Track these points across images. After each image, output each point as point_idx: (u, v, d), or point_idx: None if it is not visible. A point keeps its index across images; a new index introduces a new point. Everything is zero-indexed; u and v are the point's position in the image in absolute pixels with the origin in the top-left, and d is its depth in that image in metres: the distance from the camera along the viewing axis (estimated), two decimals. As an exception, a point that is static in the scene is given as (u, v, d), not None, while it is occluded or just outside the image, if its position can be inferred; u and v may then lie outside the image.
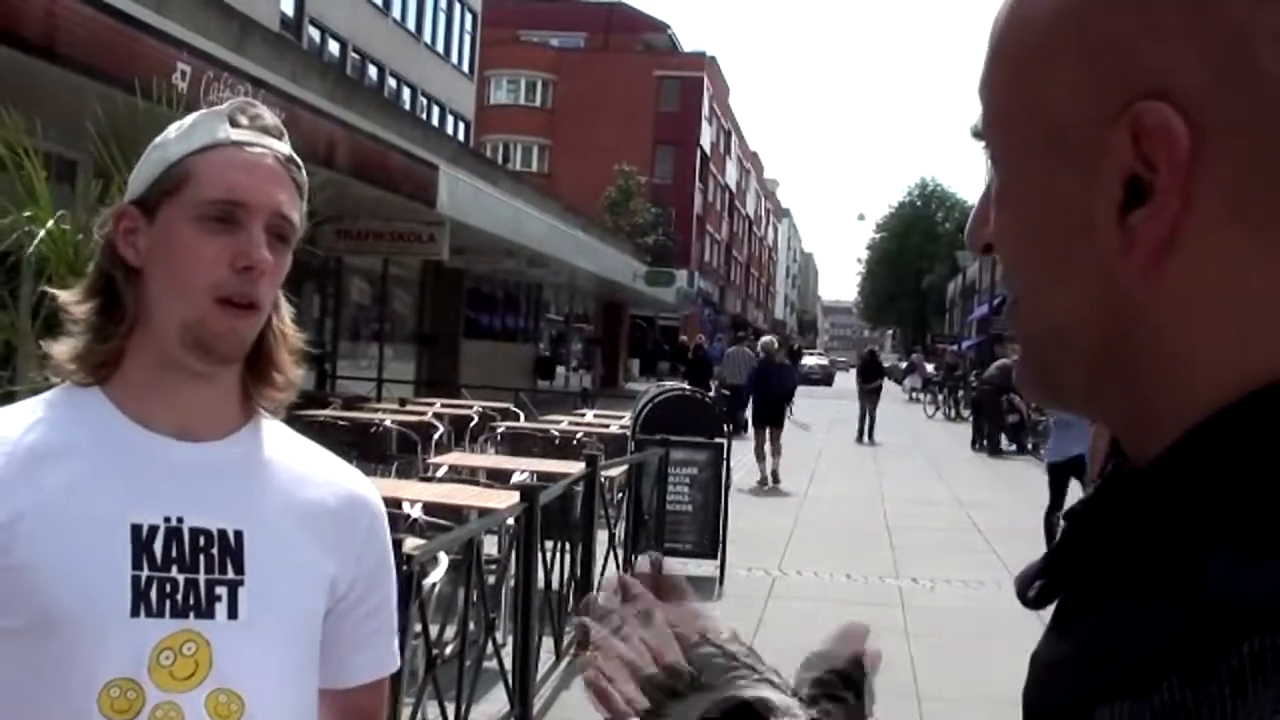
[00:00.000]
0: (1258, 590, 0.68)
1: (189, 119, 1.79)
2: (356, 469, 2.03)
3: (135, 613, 1.64)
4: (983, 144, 0.87)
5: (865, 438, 31.42)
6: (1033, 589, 0.87)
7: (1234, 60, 0.73)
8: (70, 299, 1.78)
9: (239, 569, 1.72)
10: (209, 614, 1.68)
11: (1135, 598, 0.75)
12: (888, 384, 65.62)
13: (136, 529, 1.66)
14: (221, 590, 1.70)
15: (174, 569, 1.67)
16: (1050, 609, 0.87)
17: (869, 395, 32.67)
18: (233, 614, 1.71)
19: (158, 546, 1.67)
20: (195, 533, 1.70)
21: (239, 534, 1.73)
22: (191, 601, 1.67)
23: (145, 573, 1.65)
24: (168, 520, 1.69)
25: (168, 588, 1.66)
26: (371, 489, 1.99)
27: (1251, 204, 0.75)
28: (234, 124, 1.76)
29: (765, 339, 25.23)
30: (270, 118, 1.82)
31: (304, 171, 1.83)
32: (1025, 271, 0.85)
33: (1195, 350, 0.77)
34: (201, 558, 1.69)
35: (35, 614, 1.59)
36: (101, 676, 1.61)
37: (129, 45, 12.36)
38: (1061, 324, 0.82)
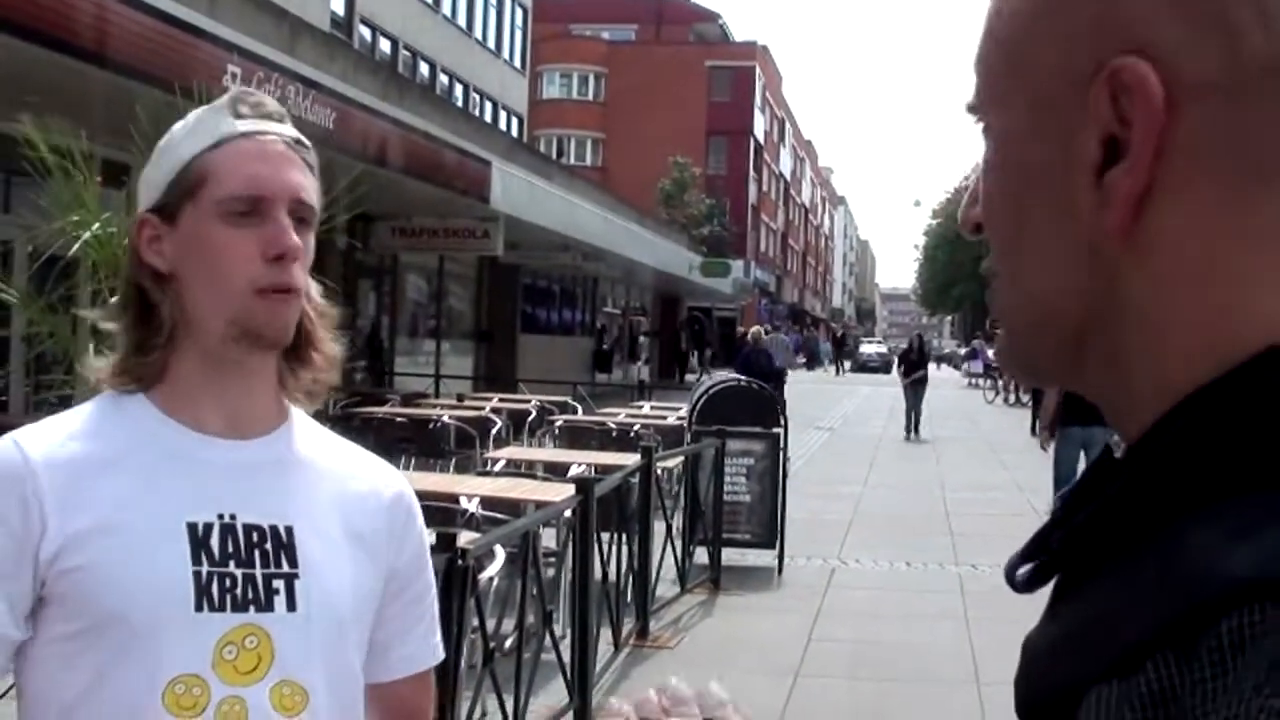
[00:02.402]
0: (1239, 566, 0.68)
1: (190, 117, 1.79)
2: (386, 462, 2.03)
3: (199, 608, 1.66)
4: (975, 118, 0.88)
5: (912, 433, 28.18)
6: (1020, 573, 0.87)
7: (1210, 19, 0.74)
8: (105, 316, 1.81)
9: (293, 563, 1.74)
10: (269, 607, 1.71)
11: (1120, 578, 0.75)
12: (947, 371, 65.20)
13: (193, 527, 1.68)
14: (279, 584, 1.73)
15: (231, 564, 1.69)
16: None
17: (913, 388, 29.05)
18: (291, 606, 1.73)
19: (214, 543, 1.69)
20: (249, 529, 1.72)
21: (289, 529, 1.76)
22: (251, 595, 1.70)
23: (205, 568, 1.68)
24: (221, 517, 1.71)
25: (227, 582, 1.69)
26: (404, 481, 2.00)
27: (1226, 163, 0.75)
28: (237, 115, 1.76)
29: (754, 329, 31.03)
30: (271, 103, 1.83)
31: (313, 151, 1.84)
32: (1007, 245, 0.85)
33: (1173, 316, 0.77)
34: (256, 553, 1.72)
35: (100, 616, 1.62)
36: (165, 674, 1.64)
37: (179, 49, 12.46)
38: (1041, 298, 0.83)
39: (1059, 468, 13.38)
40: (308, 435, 1.88)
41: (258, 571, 1.71)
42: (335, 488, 1.86)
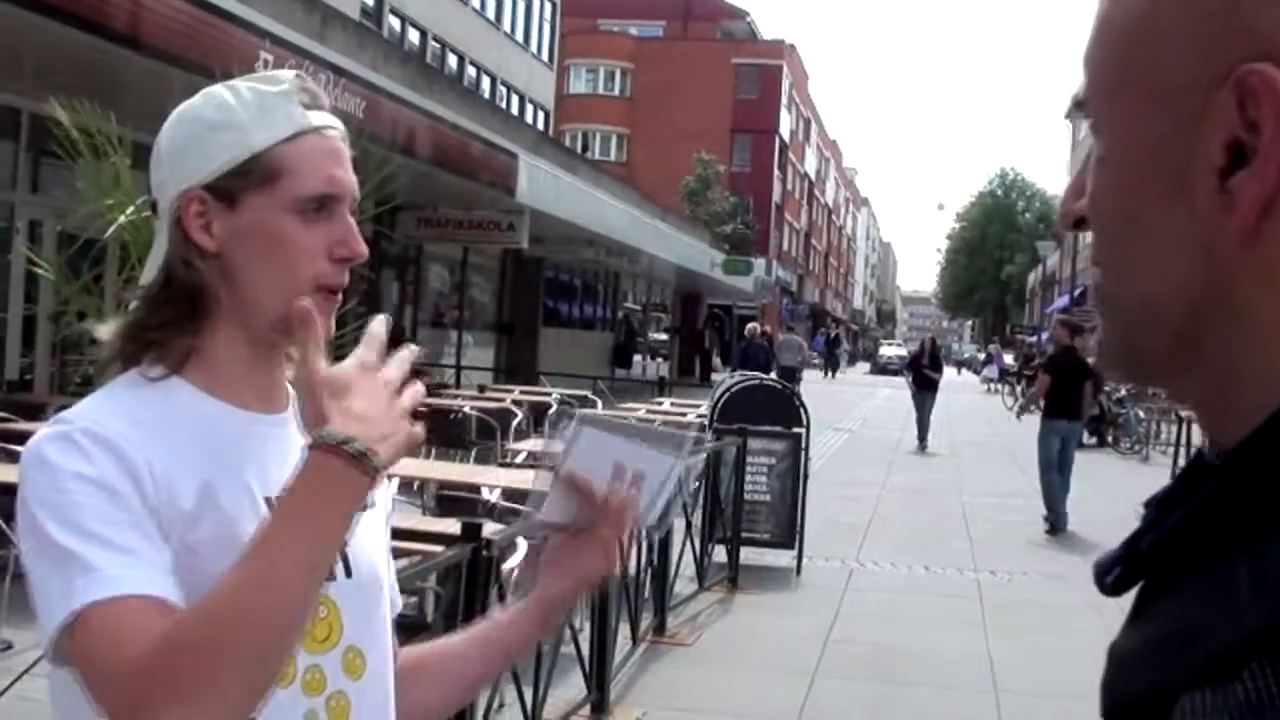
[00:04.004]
0: None
1: (248, 96, 1.75)
2: None
3: None
4: (1084, 114, 0.87)
5: (923, 445, 25.88)
6: (1110, 575, 0.87)
7: None
8: (136, 293, 1.80)
9: None
10: (332, 576, 1.72)
11: (1212, 584, 0.74)
12: (966, 376, 65.01)
13: (269, 501, 1.69)
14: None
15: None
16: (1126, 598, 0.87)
17: (921, 395, 26.47)
18: (348, 573, 1.77)
19: None
20: None
21: None
22: None
23: None
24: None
25: None
26: None
27: None
28: (305, 105, 1.75)
29: (750, 325, 34.28)
30: (319, 88, 1.82)
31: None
32: (1117, 240, 0.85)
33: None
34: None
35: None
36: None
37: (212, 34, 12.51)
38: (1150, 294, 0.82)
39: (1042, 454, 15.67)
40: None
41: None
42: None
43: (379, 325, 1.68)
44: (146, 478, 1.60)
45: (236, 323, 1.75)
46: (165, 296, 1.74)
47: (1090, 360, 23.17)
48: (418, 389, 1.68)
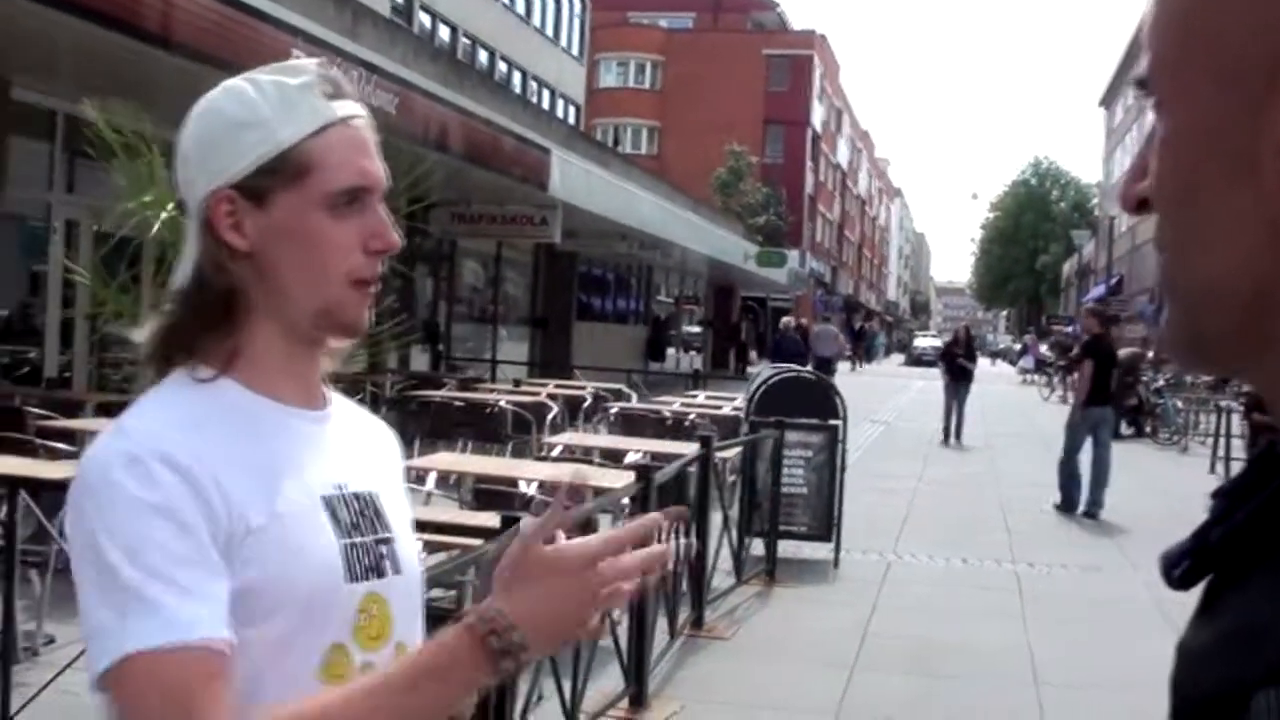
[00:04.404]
0: None
1: (270, 90, 1.72)
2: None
3: (347, 579, 1.69)
4: (1146, 93, 0.85)
5: (953, 437, 25.10)
6: (1178, 569, 0.84)
7: None
8: (170, 296, 1.76)
9: (386, 527, 1.78)
10: (382, 573, 1.74)
11: None
12: (1002, 366, 64.76)
13: (326, 500, 1.70)
14: (384, 549, 1.76)
15: (355, 534, 1.72)
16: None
17: (954, 386, 25.55)
18: (396, 570, 1.77)
19: (342, 514, 1.72)
20: (354, 497, 1.75)
21: (374, 494, 1.79)
22: (371, 563, 1.73)
23: (345, 540, 1.70)
24: (339, 489, 1.74)
25: (358, 552, 1.72)
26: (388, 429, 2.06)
27: None
28: (329, 96, 1.73)
29: (785, 318, 36.66)
30: (343, 77, 1.80)
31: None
32: (1181, 221, 0.83)
33: None
34: (363, 520, 1.75)
35: (272, 601, 1.61)
36: (326, 643, 1.67)
37: (243, 33, 12.54)
38: (1215, 277, 0.81)
39: (1070, 438, 16.07)
40: (340, 401, 1.90)
41: (369, 538, 1.75)
42: (377, 449, 1.91)
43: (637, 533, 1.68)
44: (217, 501, 1.58)
45: (273, 321, 1.74)
46: (199, 298, 1.73)
47: (1139, 350, 23.23)
48: (628, 584, 1.64)
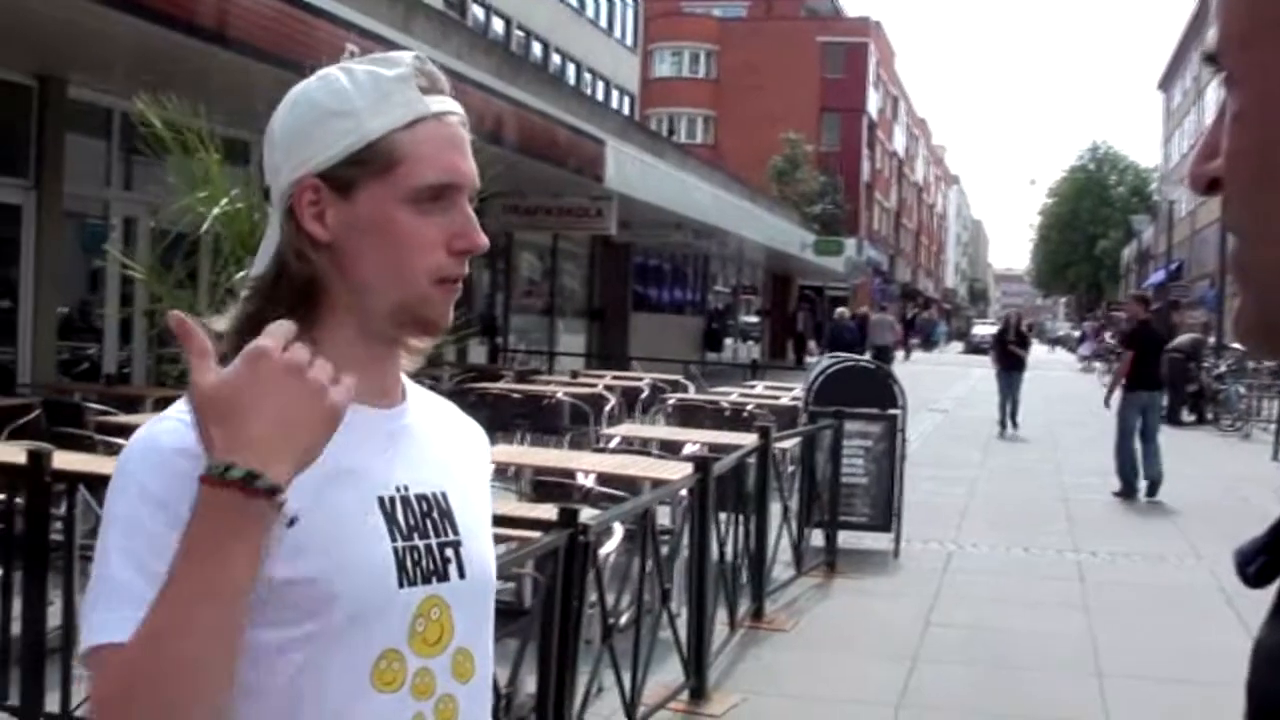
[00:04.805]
0: None
1: (364, 80, 1.69)
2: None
3: (400, 584, 1.66)
4: (1215, 68, 0.82)
5: (1008, 426, 24.44)
6: (1253, 566, 0.81)
7: None
8: (246, 285, 1.74)
9: (454, 529, 1.74)
10: (445, 576, 1.71)
11: None
12: (1061, 354, 64.40)
13: (382, 501, 1.67)
14: (449, 552, 1.73)
15: (415, 536, 1.69)
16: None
17: (1006, 374, 24.78)
18: (461, 574, 1.73)
19: (400, 516, 1.69)
20: (419, 498, 1.72)
21: (444, 494, 1.75)
22: (431, 566, 1.70)
23: (399, 543, 1.67)
24: (400, 489, 1.70)
25: (415, 555, 1.68)
26: (480, 430, 2.02)
27: None
28: (424, 90, 1.71)
29: (839, 308, 38.03)
30: (439, 71, 1.77)
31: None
32: (1255, 203, 0.80)
33: None
34: (428, 522, 1.71)
35: (316, 602, 1.59)
36: (374, 651, 1.63)
37: (298, 28, 12.58)
38: None
39: (1121, 424, 16.22)
40: (422, 398, 1.87)
41: (433, 541, 1.71)
42: (457, 448, 1.87)
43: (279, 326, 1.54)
44: None
45: (350, 315, 1.71)
46: (277, 288, 1.70)
47: (1200, 336, 23.32)
48: (320, 366, 1.51)
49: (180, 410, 1.61)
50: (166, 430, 1.59)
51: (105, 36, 11.98)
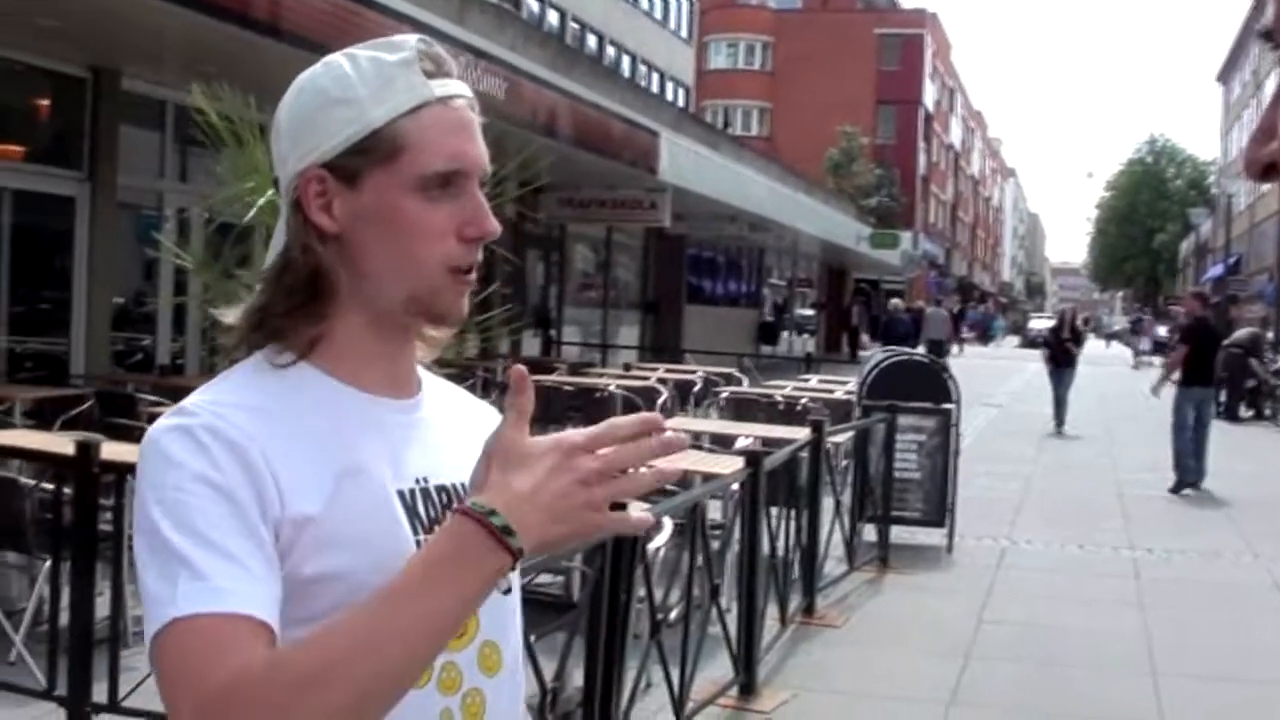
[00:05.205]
0: None
1: (366, 66, 1.65)
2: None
3: None
4: (1272, 45, 0.77)
5: (1060, 427, 23.58)
6: None
7: None
8: (258, 278, 1.71)
9: None
10: None
11: None
12: (1118, 348, 63.90)
13: (401, 494, 1.63)
14: None
15: (436, 529, 1.63)
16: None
17: (1057, 372, 24.04)
18: None
19: (420, 509, 1.64)
20: (439, 491, 1.68)
21: (464, 486, 1.67)
22: None
23: (421, 537, 1.62)
24: (419, 482, 1.66)
25: None
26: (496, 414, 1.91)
27: None
28: (427, 74, 1.65)
29: (893, 301, 37.98)
30: (448, 56, 1.70)
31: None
32: None
33: None
34: (448, 514, 1.64)
35: (334, 597, 1.54)
36: None
37: (352, 20, 12.60)
38: None
39: (1176, 419, 16.36)
40: (437, 387, 1.83)
41: None
42: (474, 436, 1.76)
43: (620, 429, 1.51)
44: (270, 487, 1.52)
45: (361, 307, 1.66)
46: (285, 280, 1.66)
47: (1258, 331, 23.36)
48: (631, 483, 1.50)
49: (201, 396, 1.61)
50: (193, 415, 1.56)
51: (158, 29, 12.06)
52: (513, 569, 1.45)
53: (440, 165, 1.62)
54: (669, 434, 1.52)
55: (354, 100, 1.63)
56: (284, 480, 1.53)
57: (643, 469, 1.51)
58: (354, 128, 1.62)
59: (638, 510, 1.64)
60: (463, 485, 1.69)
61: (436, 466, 1.70)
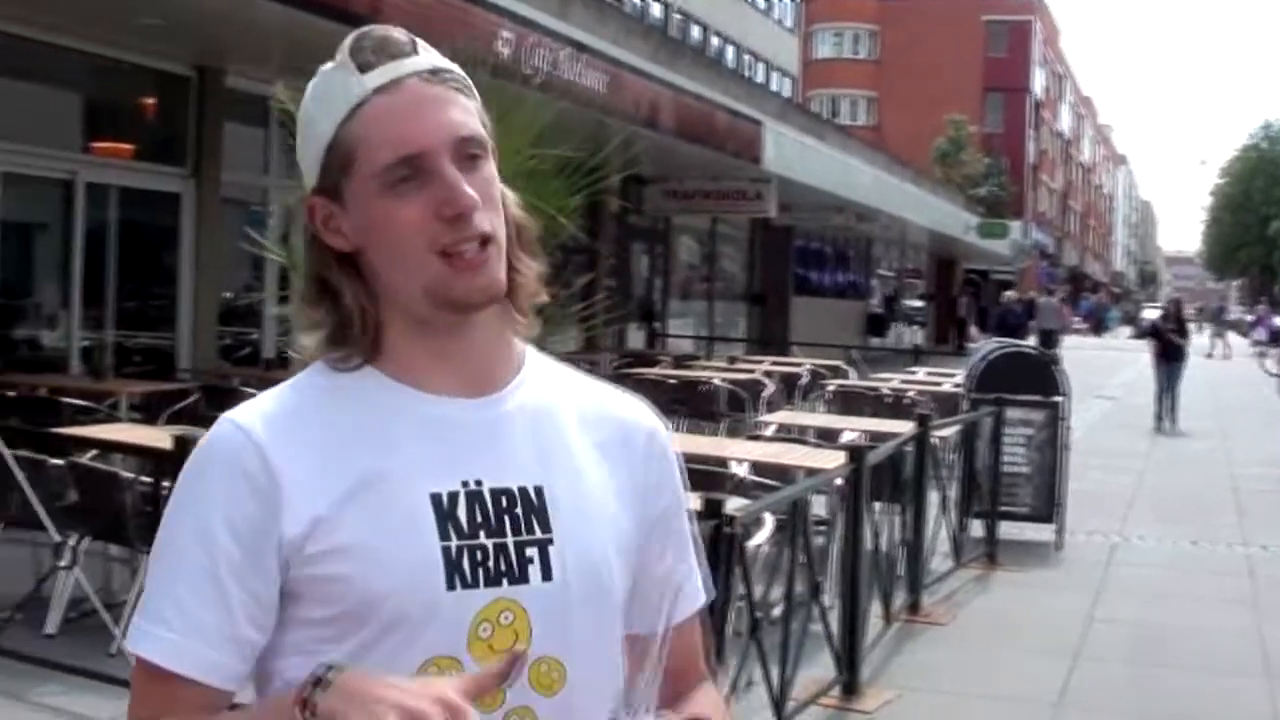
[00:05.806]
0: None
1: (316, 83, 1.63)
2: (625, 392, 1.86)
3: (450, 586, 1.55)
4: None
5: (1167, 421, 22.54)
6: None
7: None
8: (299, 308, 1.69)
9: (545, 527, 1.62)
10: (523, 578, 1.58)
11: None
12: (1233, 339, 62.86)
13: (436, 498, 1.57)
14: (532, 552, 1.60)
15: (481, 535, 1.57)
16: None
17: (1166, 365, 22.85)
18: (546, 576, 1.60)
19: (462, 514, 1.58)
20: (496, 494, 1.60)
21: (539, 489, 1.63)
22: (503, 567, 1.58)
23: (454, 543, 1.56)
24: (466, 485, 1.59)
25: (478, 555, 1.57)
26: (646, 411, 1.84)
27: None
28: (363, 68, 1.59)
29: (1006, 292, 40.18)
30: (396, 33, 1.64)
31: (458, 72, 1.65)
32: None
33: None
34: (507, 519, 1.60)
35: (350, 603, 1.52)
36: (420, 658, 1.53)
37: (453, 15, 12.62)
38: None
39: None
40: (547, 379, 1.74)
41: (509, 540, 1.59)
42: (585, 435, 1.72)
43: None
44: (270, 499, 1.54)
45: (396, 311, 1.63)
46: (327, 307, 1.65)
47: None
48: None
49: (246, 406, 1.63)
50: (222, 447, 1.59)
51: (257, 25, 12.14)
52: None
53: (388, 156, 1.57)
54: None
55: (312, 120, 1.63)
56: (291, 480, 1.55)
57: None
58: (314, 147, 1.62)
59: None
60: (536, 488, 1.63)
61: (501, 467, 1.63)
